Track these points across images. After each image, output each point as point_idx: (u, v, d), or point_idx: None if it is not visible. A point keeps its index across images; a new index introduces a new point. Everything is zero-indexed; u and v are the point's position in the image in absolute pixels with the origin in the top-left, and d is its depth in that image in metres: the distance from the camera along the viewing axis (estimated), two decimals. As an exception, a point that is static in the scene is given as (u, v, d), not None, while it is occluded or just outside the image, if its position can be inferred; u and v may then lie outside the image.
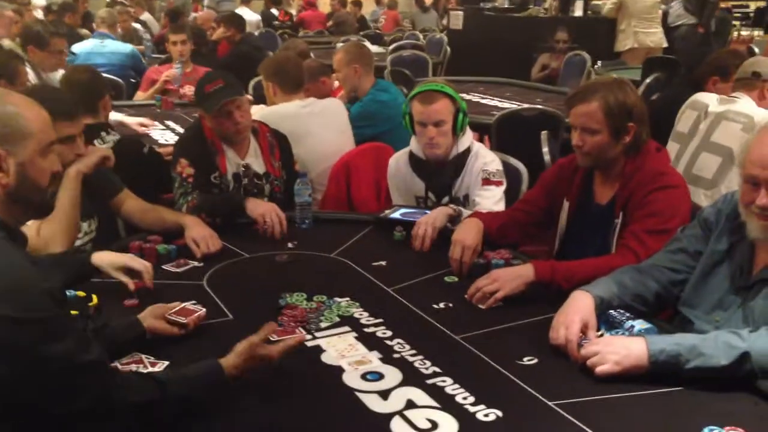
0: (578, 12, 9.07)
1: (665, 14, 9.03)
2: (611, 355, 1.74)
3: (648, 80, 5.79)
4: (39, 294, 1.35)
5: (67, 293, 2.04)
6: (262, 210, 2.74)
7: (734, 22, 12.17)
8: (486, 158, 2.99)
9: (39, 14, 9.57)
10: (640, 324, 1.89)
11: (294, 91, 3.75)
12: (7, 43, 6.18)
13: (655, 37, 8.39)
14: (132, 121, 4.57)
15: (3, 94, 1.58)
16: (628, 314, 1.95)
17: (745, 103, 3.43)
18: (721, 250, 2.01)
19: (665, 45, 8.40)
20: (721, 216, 2.04)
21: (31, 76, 4.39)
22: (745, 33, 14.53)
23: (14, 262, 1.37)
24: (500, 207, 2.88)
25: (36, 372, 1.33)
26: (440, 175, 3.02)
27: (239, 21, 7.12)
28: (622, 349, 1.75)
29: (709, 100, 3.57)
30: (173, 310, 1.97)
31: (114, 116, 4.47)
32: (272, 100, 3.80)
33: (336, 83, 4.72)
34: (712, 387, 1.69)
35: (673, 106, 3.78)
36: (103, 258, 2.17)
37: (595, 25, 8.93)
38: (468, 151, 3.00)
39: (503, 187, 2.96)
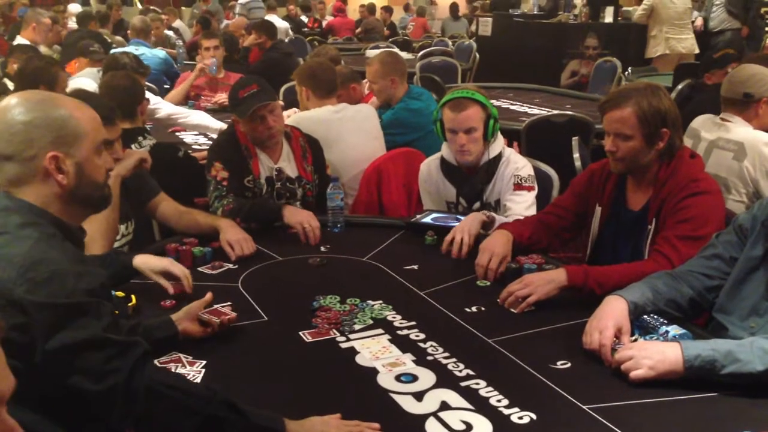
0: (608, 18, 9.02)
1: (705, 20, 8.95)
2: (646, 360, 1.74)
3: (680, 86, 5.74)
4: (73, 285, 1.40)
5: (107, 293, 2.10)
6: (300, 218, 2.77)
7: (767, 28, 12.02)
8: (518, 163, 3.00)
9: (72, 22, 9.76)
10: (674, 329, 1.88)
11: (327, 96, 3.79)
12: (43, 49, 6.32)
13: (687, 43, 8.32)
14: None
15: (54, 98, 1.63)
16: (662, 319, 1.94)
17: (736, 128, 3.31)
18: (756, 257, 1.99)
19: (697, 51, 8.33)
20: (757, 222, 2.02)
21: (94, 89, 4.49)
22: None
23: (57, 256, 1.43)
24: (531, 212, 2.88)
25: (73, 350, 1.37)
26: (471, 181, 3.03)
27: (270, 28, 7.20)
28: (657, 354, 1.75)
29: (702, 126, 3.46)
30: (206, 310, 2.01)
31: (213, 124, 4.53)
32: (305, 104, 3.85)
33: (366, 90, 4.75)
34: (747, 393, 1.69)
35: (705, 113, 3.73)
36: (145, 261, 2.22)
37: (625, 32, 8.88)
38: (499, 156, 3.01)
39: (535, 193, 2.97)
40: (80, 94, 2.86)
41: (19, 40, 6.46)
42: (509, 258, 2.43)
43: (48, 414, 1.40)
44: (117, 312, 1.98)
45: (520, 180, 2.94)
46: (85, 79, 4.80)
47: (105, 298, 1.49)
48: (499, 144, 3.02)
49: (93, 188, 1.62)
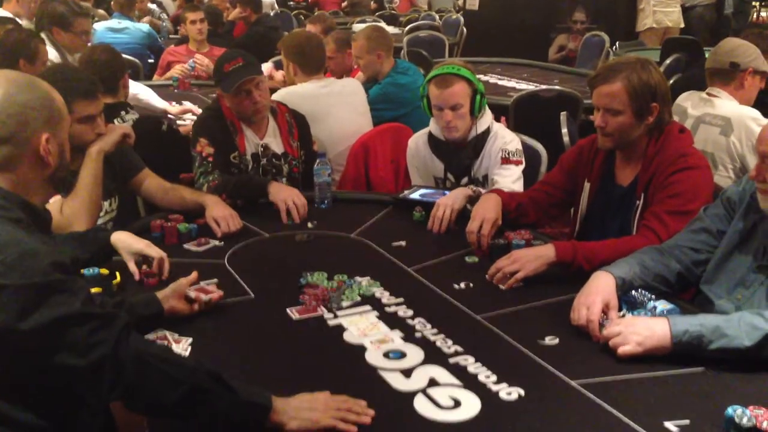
0: (596, -8, 8.95)
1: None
2: (634, 336, 1.74)
3: (668, 61, 5.73)
4: (45, 263, 1.38)
5: (91, 271, 2.07)
6: (284, 195, 2.74)
7: (753, 3, 12.00)
8: (505, 138, 2.98)
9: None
10: (662, 304, 1.88)
11: (314, 73, 3.74)
12: (25, 23, 6.20)
13: (674, 17, 8.29)
14: (174, 110, 4.51)
15: (36, 79, 1.62)
16: (650, 295, 1.94)
17: (722, 104, 3.30)
18: (744, 229, 2.00)
19: (683, 25, 8.30)
20: (745, 195, 2.02)
21: (53, 56, 4.38)
22: (764, 14, 14.31)
23: (24, 239, 1.41)
24: (519, 186, 2.88)
25: (49, 330, 1.35)
26: (459, 156, 3.01)
27: (256, 1, 7.10)
28: (645, 329, 1.75)
29: (688, 102, 3.45)
30: (192, 287, 2.00)
31: (158, 103, 4.45)
32: (292, 78, 3.81)
33: (354, 65, 4.71)
34: (735, 368, 1.69)
35: (694, 87, 3.72)
36: (122, 239, 2.18)
37: (613, 6, 8.82)
38: (487, 131, 2.99)
39: (522, 167, 2.96)
40: (61, 68, 2.81)
41: (1, 12, 6.32)
42: (500, 222, 2.42)
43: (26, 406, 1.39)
44: (102, 289, 1.99)
45: (508, 154, 2.93)
46: None
47: (72, 273, 1.47)
48: (487, 119, 3.00)
49: (64, 169, 1.64)
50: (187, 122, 4.25)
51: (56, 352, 1.36)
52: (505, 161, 2.93)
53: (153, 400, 1.44)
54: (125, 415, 1.51)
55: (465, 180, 3.02)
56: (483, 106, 2.94)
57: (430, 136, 3.08)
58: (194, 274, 2.04)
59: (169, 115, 4.43)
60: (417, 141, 3.16)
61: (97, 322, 1.40)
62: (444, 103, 2.88)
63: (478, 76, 2.98)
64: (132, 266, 2.16)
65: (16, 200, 1.51)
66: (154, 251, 2.17)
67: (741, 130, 3.20)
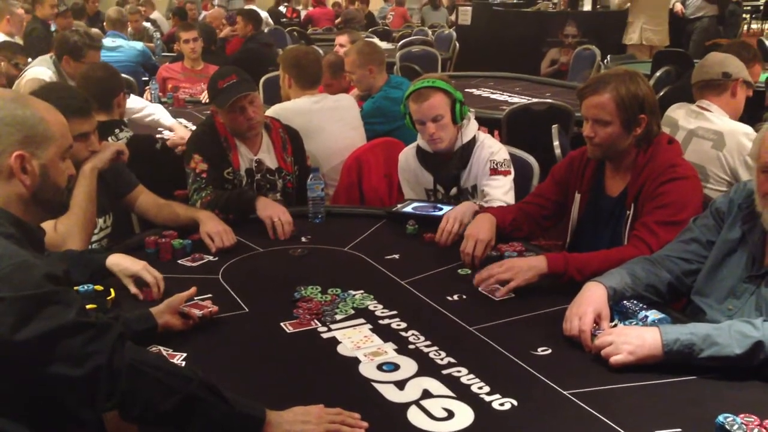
0: (587, 6, 9.06)
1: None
2: (625, 345, 1.75)
3: (658, 73, 5.77)
4: (38, 275, 1.39)
5: (85, 287, 2.08)
6: (270, 212, 2.74)
7: (744, 15, 12.11)
8: (492, 148, 3.01)
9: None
10: (653, 314, 1.90)
11: (309, 87, 3.78)
12: (20, 40, 6.23)
13: (662, 35, 8.37)
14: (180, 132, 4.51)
15: (26, 98, 1.63)
16: (641, 304, 1.96)
17: (714, 118, 3.32)
18: (733, 239, 2.02)
19: (667, 43, 8.37)
20: (734, 205, 2.04)
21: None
22: (755, 26, 14.45)
23: (17, 252, 1.42)
24: (510, 196, 2.91)
25: (44, 341, 1.36)
26: (447, 167, 3.04)
27: (257, 17, 7.17)
28: (636, 339, 1.76)
29: (679, 115, 3.46)
30: (187, 304, 2.00)
31: (166, 120, 4.44)
32: (286, 92, 3.83)
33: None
34: (725, 376, 1.70)
35: (684, 99, 3.75)
36: (118, 262, 2.19)
37: (604, 20, 8.92)
38: (473, 141, 3.02)
39: (511, 177, 2.98)
40: (55, 86, 2.83)
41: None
42: (493, 242, 2.43)
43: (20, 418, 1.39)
44: (96, 305, 1.99)
45: (496, 165, 2.96)
46: (40, 67, 4.63)
47: (66, 285, 1.48)
48: (472, 129, 3.03)
49: (54, 192, 1.63)
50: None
51: (51, 363, 1.37)
52: (494, 172, 2.95)
53: (148, 408, 1.44)
54: (117, 428, 1.51)
55: (454, 190, 3.04)
56: (465, 114, 2.97)
57: (419, 149, 3.11)
58: (192, 290, 2.05)
59: (164, 137, 4.44)
60: (407, 154, 3.19)
61: (91, 332, 1.41)
62: (424, 116, 2.91)
63: (470, 90, 3.02)
64: (134, 289, 2.17)
65: (7, 216, 1.52)
66: (149, 275, 2.17)
67: (733, 144, 3.22)
